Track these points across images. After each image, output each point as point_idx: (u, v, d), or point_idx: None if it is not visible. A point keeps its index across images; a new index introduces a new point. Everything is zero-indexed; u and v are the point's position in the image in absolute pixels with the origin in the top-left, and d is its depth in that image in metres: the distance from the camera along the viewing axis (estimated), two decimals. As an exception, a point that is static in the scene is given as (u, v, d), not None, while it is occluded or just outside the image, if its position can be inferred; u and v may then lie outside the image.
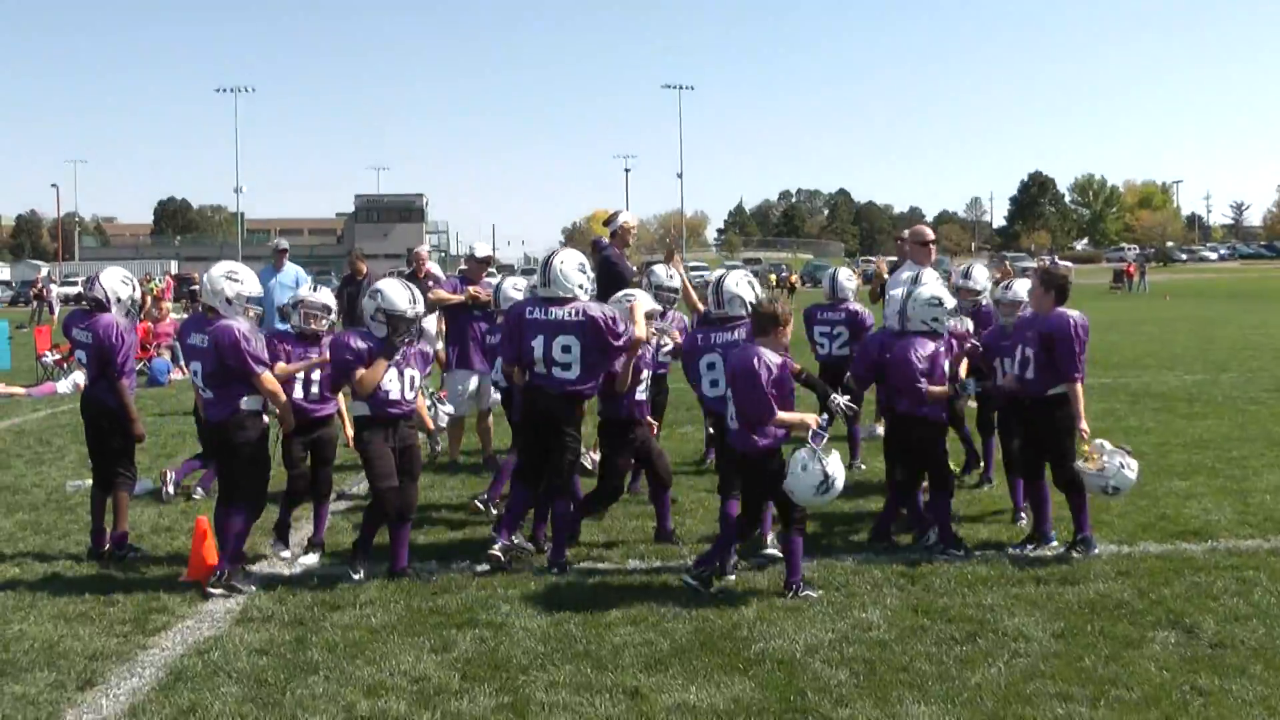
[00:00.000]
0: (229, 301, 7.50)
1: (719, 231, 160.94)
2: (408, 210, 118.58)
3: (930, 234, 11.19)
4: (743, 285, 8.00)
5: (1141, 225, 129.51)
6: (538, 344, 7.65)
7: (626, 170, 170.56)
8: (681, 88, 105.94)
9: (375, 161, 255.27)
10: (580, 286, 7.73)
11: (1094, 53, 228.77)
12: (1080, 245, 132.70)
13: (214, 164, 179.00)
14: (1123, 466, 7.60)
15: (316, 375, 8.05)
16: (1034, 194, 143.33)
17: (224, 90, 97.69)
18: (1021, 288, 8.77)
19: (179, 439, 13.35)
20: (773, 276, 65.39)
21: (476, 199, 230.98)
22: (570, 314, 7.63)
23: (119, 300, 8.17)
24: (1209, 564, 7.52)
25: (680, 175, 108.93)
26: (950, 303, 8.33)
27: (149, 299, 26.94)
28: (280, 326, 8.37)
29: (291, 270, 15.20)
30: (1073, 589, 7.02)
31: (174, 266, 79.38)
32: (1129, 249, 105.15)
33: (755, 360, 7.01)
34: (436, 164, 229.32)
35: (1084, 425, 7.77)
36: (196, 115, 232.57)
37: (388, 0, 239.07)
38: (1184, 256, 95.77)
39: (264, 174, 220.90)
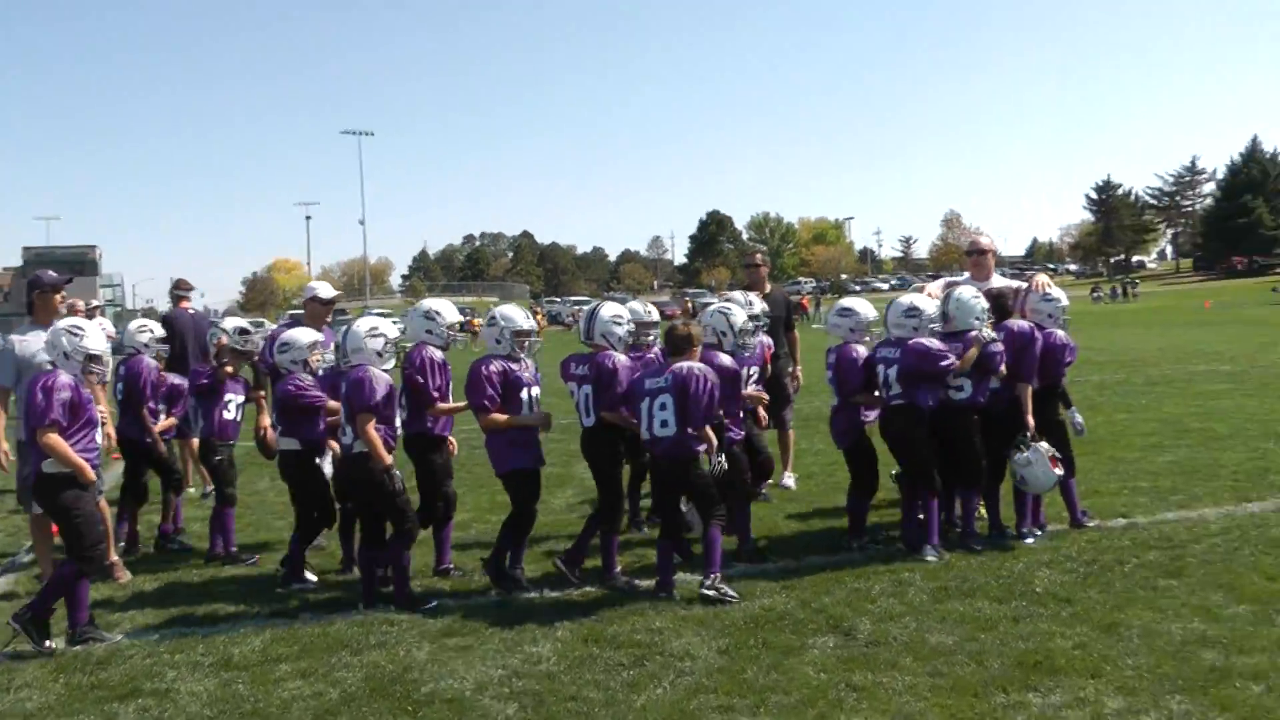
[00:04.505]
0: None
1: (404, 277, 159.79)
2: (79, 263, 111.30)
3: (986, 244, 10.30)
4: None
5: (817, 260, 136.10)
6: (577, 394, 8.39)
7: (308, 218, 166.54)
8: (361, 134, 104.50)
9: (45, 211, 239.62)
10: (604, 335, 8.26)
11: (765, 94, 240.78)
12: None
13: None
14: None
15: None
16: (713, 232, 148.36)
17: None
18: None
19: None
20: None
21: (155, 250, 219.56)
22: (586, 369, 8.27)
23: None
24: (868, 570, 7.88)
25: (362, 222, 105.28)
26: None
27: None
28: None
29: None
30: (738, 606, 7.18)
31: None
32: (805, 282, 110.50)
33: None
34: (112, 214, 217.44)
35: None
36: None
37: (55, 47, 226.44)
38: (858, 288, 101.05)
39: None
